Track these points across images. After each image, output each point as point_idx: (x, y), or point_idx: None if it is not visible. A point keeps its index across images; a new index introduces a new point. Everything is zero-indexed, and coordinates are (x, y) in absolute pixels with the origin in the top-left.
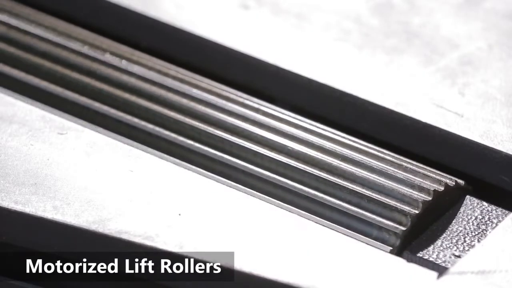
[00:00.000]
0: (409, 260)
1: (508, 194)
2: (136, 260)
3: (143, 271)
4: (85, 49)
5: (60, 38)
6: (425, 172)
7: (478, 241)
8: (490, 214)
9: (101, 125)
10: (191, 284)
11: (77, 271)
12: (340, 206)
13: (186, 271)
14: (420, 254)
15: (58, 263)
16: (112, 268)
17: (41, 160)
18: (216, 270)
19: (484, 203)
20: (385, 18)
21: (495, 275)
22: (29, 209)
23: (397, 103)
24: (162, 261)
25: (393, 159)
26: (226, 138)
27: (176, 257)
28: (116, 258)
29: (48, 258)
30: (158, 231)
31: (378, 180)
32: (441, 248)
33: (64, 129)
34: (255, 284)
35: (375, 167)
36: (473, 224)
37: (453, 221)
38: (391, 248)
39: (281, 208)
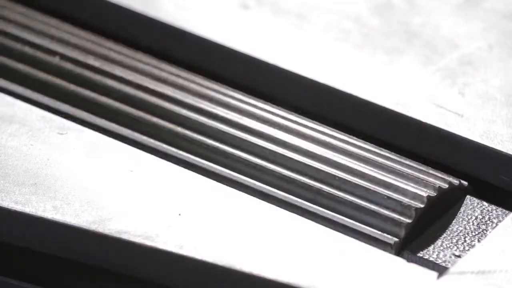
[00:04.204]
0: (409, 260)
1: (508, 194)
2: (136, 260)
3: (143, 271)
4: (84, 49)
5: (58, 38)
6: (425, 172)
7: (478, 241)
8: (490, 214)
9: (99, 128)
10: (191, 284)
11: (77, 271)
12: (339, 205)
13: (186, 271)
14: (420, 254)
15: (58, 263)
16: (112, 268)
17: (41, 160)
18: (216, 270)
19: (484, 203)
20: (385, 18)
21: (495, 275)
22: (29, 209)
23: (397, 103)
24: (162, 261)
25: (393, 159)
26: (226, 138)
27: (176, 257)
28: (116, 258)
29: (48, 258)
30: (158, 231)
31: (377, 181)
32: (441, 248)
33: (64, 129)
34: (255, 284)
35: (374, 167)
36: (473, 224)
37: (453, 221)
38: (390, 248)
39: (281, 208)
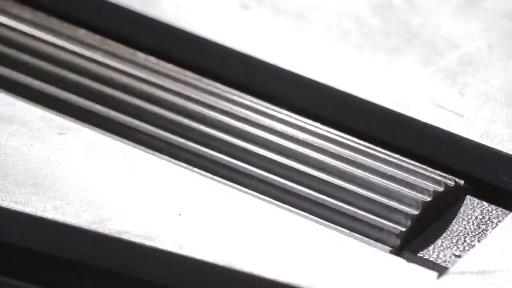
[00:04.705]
0: (409, 260)
1: (508, 194)
2: (136, 260)
3: (143, 271)
4: (84, 49)
5: (58, 38)
6: (425, 172)
7: (478, 241)
8: (490, 214)
9: (100, 127)
10: (191, 284)
11: (77, 271)
12: (339, 207)
13: (186, 271)
14: (420, 254)
15: (58, 263)
16: (112, 268)
17: (41, 160)
18: (216, 270)
19: (484, 203)
20: (385, 18)
21: (495, 275)
22: (29, 209)
23: (397, 103)
24: (162, 261)
25: (393, 159)
26: (226, 138)
27: (176, 257)
28: (116, 258)
29: (48, 258)
30: (158, 231)
31: (377, 181)
32: (441, 248)
33: (64, 129)
34: (255, 284)
35: (374, 167)
36: (473, 224)
37: (453, 221)
38: (391, 248)
39: (281, 208)
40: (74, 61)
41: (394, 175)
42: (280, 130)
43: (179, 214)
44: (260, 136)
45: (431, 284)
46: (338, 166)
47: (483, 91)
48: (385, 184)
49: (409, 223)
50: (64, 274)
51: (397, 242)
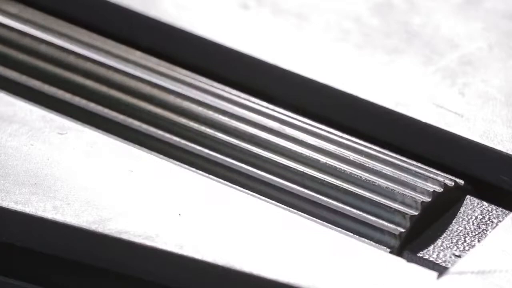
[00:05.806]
0: (409, 260)
1: (508, 194)
2: (136, 260)
3: (143, 271)
4: (84, 49)
5: (58, 38)
6: (425, 172)
7: (478, 241)
8: (490, 214)
9: (100, 127)
10: (191, 284)
11: (77, 271)
12: (339, 207)
13: (186, 271)
14: (420, 254)
15: (58, 263)
16: (112, 268)
17: (41, 160)
18: (216, 270)
19: (484, 203)
20: (385, 18)
21: (495, 275)
22: (29, 209)
23: (397, 103)
24: (162, 261)
25: (393, 159)
26: (226, 139)
27: (176, 257)
28: (116, 258)
29: (48, 258)
30: (158, 231)
31: (377, 181)
32: (441, 248)
33: (64, 129)
34: (255, 284)
35: (374, 167)
36: (473, 224)
37: (453, 221)
38: (391, 248)
39: (281, 208)
40: (73, 61)
41: (393, 175)
42: (280, 130)
43: (179, 214)
44: (259, 136)
45: (431, 284)
46: (337, 166)
47: (483, 91)
48: (385, 184)
49: (409, 223)
50: (64, 274)
51: (397, 242)
